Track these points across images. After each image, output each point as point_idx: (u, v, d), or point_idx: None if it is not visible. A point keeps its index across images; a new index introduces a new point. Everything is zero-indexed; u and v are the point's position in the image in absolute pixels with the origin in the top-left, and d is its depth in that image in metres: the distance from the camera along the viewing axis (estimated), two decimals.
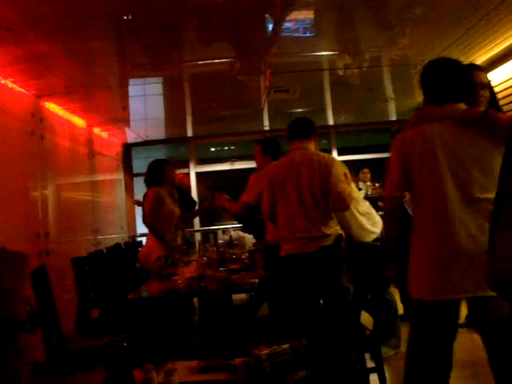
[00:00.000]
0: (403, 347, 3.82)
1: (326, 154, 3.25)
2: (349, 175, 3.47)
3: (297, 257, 3.08)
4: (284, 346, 1.84)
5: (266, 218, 3.45)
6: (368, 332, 2.93)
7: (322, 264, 3.05)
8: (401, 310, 4.29)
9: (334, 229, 3.12)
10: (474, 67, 2.36)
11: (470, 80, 2.22)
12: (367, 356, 3.04)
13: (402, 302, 4.69)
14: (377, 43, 4.32)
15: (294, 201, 3.10)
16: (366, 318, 3.27)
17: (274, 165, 3.39)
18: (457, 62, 2.21)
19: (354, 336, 2.91)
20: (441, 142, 2.07)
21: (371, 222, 3.74)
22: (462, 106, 2.12)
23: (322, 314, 3.20)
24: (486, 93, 2.27)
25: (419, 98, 5.52)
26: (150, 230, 4.53)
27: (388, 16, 3.70)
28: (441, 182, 2.05)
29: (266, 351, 1.80)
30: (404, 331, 3.90)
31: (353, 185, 3.65)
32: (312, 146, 3.25)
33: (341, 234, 3.15)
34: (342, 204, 3.09)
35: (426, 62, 2.28)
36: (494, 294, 1.85)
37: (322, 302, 3.29)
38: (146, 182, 4.65)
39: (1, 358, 1.00)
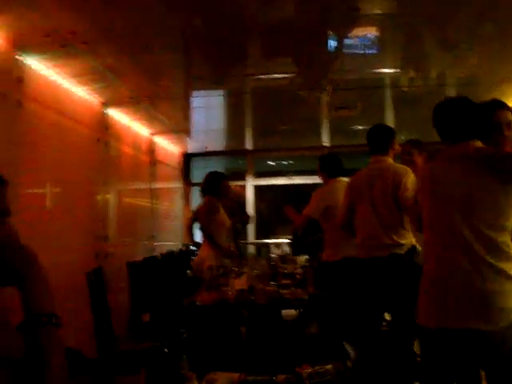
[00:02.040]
0: None
1: (401, 166, 3.35)
2: None
3: (364, 260, 3.20)
4: (327, 367, 1.80)
5: (340, 227, 3.51)
6: (419, 360, 2.81)
7: (391, 271, 3.09)
8: None
9: (409, 240, 3.17)
10: (497, 106, 2.29)
11: (494, 119, 2.20)
12: None
13: None
14: (443, 61, 4.19)
15: (369, 210, 3.23)
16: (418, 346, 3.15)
17: (354, 176, 3.50)
18: (469, 101, 2.15)
19: (404, 362, 2.81)
20: (446, 180, 2.07)
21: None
22: (478, 143, 2.06)
23: (380, 330, 3.17)
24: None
25: None
26: (204, 235, 4.63)
27: (455, 33, 3.59)
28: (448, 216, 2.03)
29: (308, 370, 1.77)
30: None
31: None
32: (389, 159, 3.38)
33: (414, 246, 3.17)
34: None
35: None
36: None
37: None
38: (202, 191, 4.80)
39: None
